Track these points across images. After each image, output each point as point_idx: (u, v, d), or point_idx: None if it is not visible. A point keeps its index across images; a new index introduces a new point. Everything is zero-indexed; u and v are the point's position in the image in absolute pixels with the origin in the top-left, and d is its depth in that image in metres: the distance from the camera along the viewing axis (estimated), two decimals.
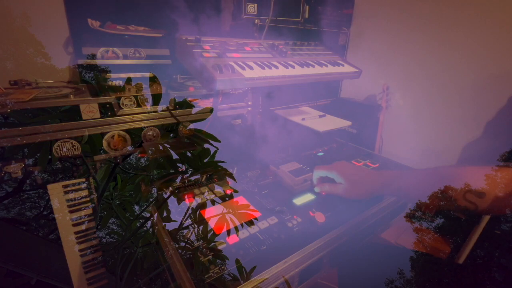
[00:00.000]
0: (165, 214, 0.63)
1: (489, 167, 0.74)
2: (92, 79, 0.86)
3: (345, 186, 0.95)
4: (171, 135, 0.58)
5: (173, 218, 0.64)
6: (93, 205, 0.54)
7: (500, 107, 1.20)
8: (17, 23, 0.95)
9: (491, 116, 1.23)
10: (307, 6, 1.44)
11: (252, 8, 1.27)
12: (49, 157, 0.48)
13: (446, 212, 0.76)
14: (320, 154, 1.40)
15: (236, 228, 0.67)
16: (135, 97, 0.54)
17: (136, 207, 0.65)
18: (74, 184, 0.52)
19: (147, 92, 0.57)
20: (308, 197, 1.04)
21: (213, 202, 0.62)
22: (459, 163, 1.34)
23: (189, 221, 0.64)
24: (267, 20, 1.29)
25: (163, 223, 0.62)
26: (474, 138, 1.29)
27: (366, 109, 1.61)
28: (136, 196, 0.63)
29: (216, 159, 0.62)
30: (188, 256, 0.62)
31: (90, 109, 0.49)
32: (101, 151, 0.52)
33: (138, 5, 1.16)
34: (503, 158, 0.82)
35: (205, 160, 0.61)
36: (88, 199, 0.53)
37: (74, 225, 0.51)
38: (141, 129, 0.54)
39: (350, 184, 0.94)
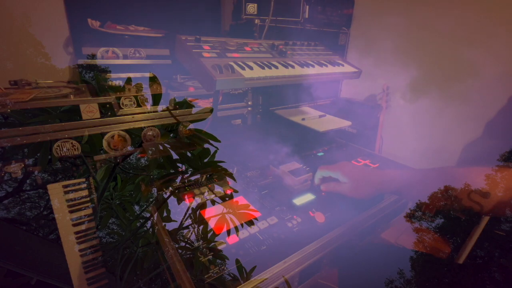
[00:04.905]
0: (165, 214, 0.63)
1: (491, 167, 0.74)
2: (92, 79, 0.86)
3: (350, 185, 0.95)
4: (171, 135, 0.58)
5: (173, 218, 0.64)
6: (93, 205, 0.54)
7: (500, 107, 1.20)
8: (17, 23, 0.95)
9: (491, 116, 1.23)
10: (307, 6, 1.44)
11: (252, 8, 1.27)
12: (49, 157, 0.48)
13: (446, 212, 0.76)
14: (320, 154, 1.40)
15: (236, 228, 0.67)
16: (135, 97, 0.54)
17: (136, 207, 0.65)
18: (74, 184, 0.52)
19: (147, 92, 0.57)
20: (308, 197, 1.04)
21: (213, 202, 0.62)
22: (459, 163, 1.34)
23: (189, 221, 0.64)
24: (267, 20, 1.29)
25: (163, 223, 0.62)
26: (474, 138, 1.29)
27: (366, 109, 1.62)
28: (136, 196, 0.63)
29: (216, 159, 0.62)
30: (188, 256, 0.62)
31: (90, 109, 0.49)
32: (101, 151, 0.52)
33: (138, 5, 1.16)
34: (503, 158, 0.82)
35: (205, 160, 0.61)
36: (88, 199, 0.53)
37: (74, 225, 0.51)
38: (141, 129, 0.54)
39: (355, 183, 0.95)
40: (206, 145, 0.59)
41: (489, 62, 1.22)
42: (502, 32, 1.17)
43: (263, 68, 1.01)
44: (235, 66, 0.95)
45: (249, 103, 1.33)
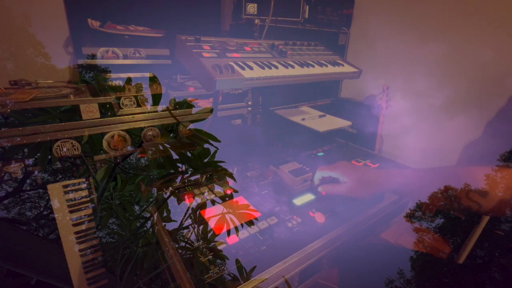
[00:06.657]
0: (165, 214, 0.63)
1: (491, 167, 0.74)
2: (92, 79, 0.86)
3: (350, 185, 0.95)
4: (171, 135, 0.58)
5: (173, 218, 0.64)
6: (93, 205, 0.54)
7: (500, 107, 1.20)
8: (17, 23, 0.95)
9: (491, 116, 1.23)
10: (307, 6, 1.44)
11: (252, 8, 1.27)
12: (49, 157, 0.48)
13: (446, 212, 0.76)
14: (320, 154, 1.40)
15: (236, 228, 0.67)
16: (135, 97, 0.54)
17: (136, 207, 0.65)
18: (74, 184, 0.52)
19: (147, 92, 0.57)
20: (308, 197, 1.04)
21: (213, 202, 0.62)
22: (459, 163, 1.34)
23: (189, 221, 0.64)
24: (267, 20, 1.29)
25: (163, 223, 0.62)
26: (474, 138, 1.29)
27: (366, 109, 1.61)
28: (136, 196, 0.63)
29: (216, 159, 0.62)
30: (188, 256, 0.62)
31: (90, 109, 0.49)
32: (101, 151, 0.52)
33: (138, 5, 1.16)
34: (503, 158, 0.82)
35: (205, 160, 0.61)
36: (88, 199, 0.53)
37: (74, 225, 0.51)
38: (141, 129, 0.54)
39: (355, 183, 0.95)
40: (206, 145, 0.59)
41: (490, 62, 1.22)
42: (503, 31, 1.17)
43: (263, 68, 1.01)
44: (235, 66, 0.95)
45: (249, 103, 1.33)
